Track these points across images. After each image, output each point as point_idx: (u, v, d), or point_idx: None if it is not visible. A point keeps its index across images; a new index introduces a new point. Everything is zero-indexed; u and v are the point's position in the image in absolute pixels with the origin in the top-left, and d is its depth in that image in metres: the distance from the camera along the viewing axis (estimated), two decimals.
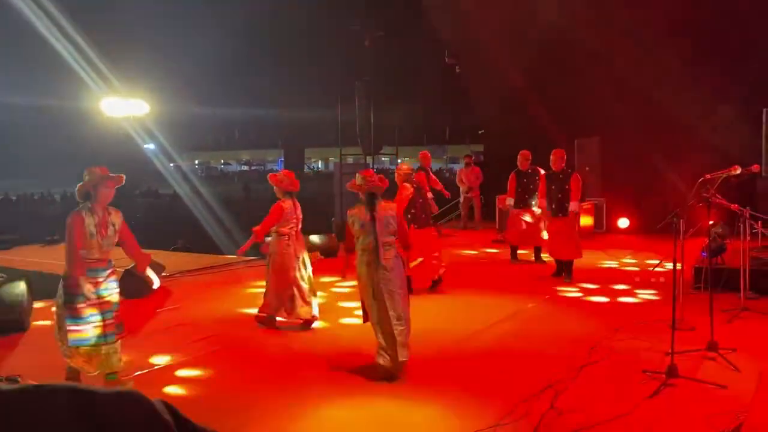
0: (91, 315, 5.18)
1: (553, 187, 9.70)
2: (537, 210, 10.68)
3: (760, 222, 8.52)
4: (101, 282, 5.30)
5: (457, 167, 44.92)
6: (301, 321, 7.40)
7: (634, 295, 8.84)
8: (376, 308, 5.79)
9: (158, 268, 9.70)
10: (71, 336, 5.16)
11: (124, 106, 23.03)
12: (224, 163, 79.91)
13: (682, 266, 6.13)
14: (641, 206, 14.95)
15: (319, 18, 24.13)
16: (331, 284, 9.97)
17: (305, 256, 7.53)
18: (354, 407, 5.18)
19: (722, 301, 7.29)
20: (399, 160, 19.49)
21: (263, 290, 7.57)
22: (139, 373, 5.95)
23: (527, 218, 11.02)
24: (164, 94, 29.07)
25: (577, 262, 9.83)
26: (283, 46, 27.50)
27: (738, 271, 7.70)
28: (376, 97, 16.18)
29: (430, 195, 12.00)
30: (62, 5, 22.67)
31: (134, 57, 27.54)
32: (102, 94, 23.60)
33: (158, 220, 21.25)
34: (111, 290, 5.35)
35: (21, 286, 7.60)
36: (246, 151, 76.41)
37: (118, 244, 5.46)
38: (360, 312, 6.17)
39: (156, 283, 5.77)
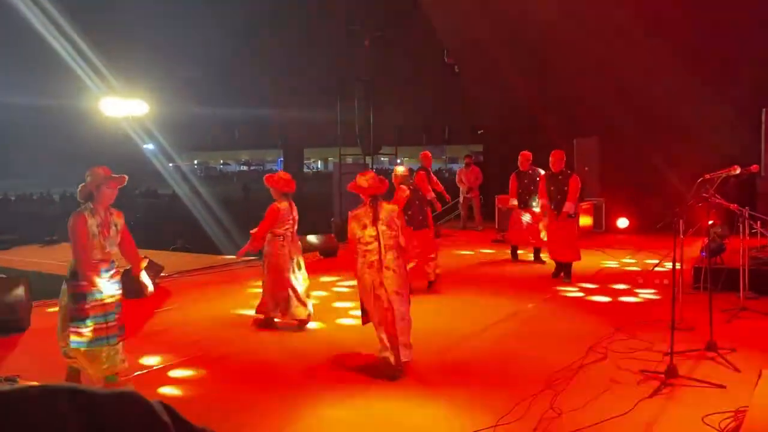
0: (95, 317, 5.18)
1: (552, 188, 9.70)
2: (537, 210, 10.68)
3: (759, 222, 8.53)
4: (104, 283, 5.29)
5: (457, 167, 44.93)
6: (297, 321, 7.40)
7: (633, 295, 8.85)
8: (378, 309, 5.80)
9: (157, 268, 9.72)
10: (74, 337, 5.16)
11: (123, 106, 23.02)
12: (223, 163, 79.93)
13: (681, 266, 6.13)
14: (640, 206, 14.96)
15: (319, 18, 24.14)
16: (331, 284, 9.99)
17: (299, 258, 7.53)
18: (353, 408, 5.18)
19: (721, 301, 7.29)
20: (398, 160, 19.52)
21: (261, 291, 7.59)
22: (138, 373, 5.94)
23: (527, 218, 11.04)
24: (163, 94, 29.05)
25: (576, 263, 9.83)
26: (283, 46, 27.48)
27: (737, 271, 7.70)
28: (375, 97, 16.18)
29: (431, 195, 12.03)
30: (61, 5, 22.67)
31: (133, 57, 27.54)
32: (101, 94, 23.59)
33: (157, 220, 21.26)
34: (113, 291, 5.35)
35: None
36: (245, 151, 76.34)
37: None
38: (359, 312, 6.17)
39: (150, 288, 5.73)
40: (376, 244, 5.81)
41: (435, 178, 13.00)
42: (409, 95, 26.29)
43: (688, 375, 5.37)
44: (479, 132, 21.66)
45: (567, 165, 9.92)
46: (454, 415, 4.92)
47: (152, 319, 7.98)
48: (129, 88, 23.53)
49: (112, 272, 5.35)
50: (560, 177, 9.64)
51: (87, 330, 5.14)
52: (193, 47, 27.61)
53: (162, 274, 10.07)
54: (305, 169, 51.08)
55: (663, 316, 6.80)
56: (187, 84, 32.50)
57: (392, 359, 5.74)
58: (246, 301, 8.59)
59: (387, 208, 5.98)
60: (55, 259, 12.90)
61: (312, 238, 12.44)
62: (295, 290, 7.36)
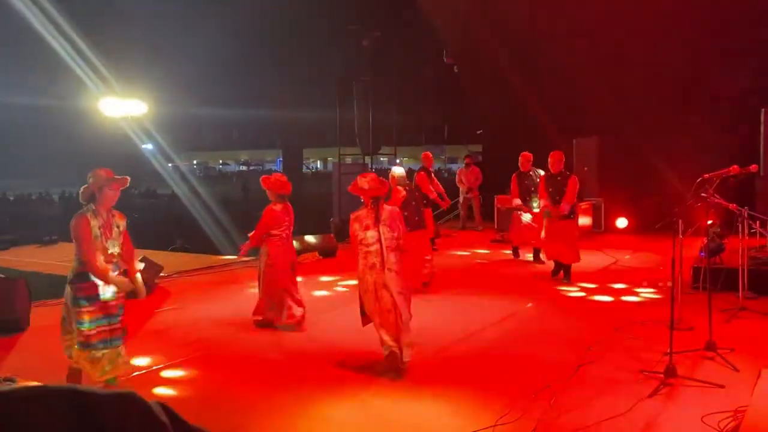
0: (98, 319, 5.17)
1: (551, 189, 9.70)
2: (537, 210, 10.68)
3: (758, 222, 8.53)
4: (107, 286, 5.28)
5: (456, 167, 44.95)
6: (292, 321, 7.40)
7: (632, 294, 8.85)
8: (380, 310, 5.81)
9: (156, 269, 9.72)
10: (79, 339, 5.15)
11: (122, 106, 23.01)
12: (222, 163, 79.88)
13: (680, 266, 6.14)
14: (640, 206, 14.97)
15: (317, 18, 24.14)
16: (330, 284, 9.99)
17: (294, 260, 7.58)
18: (352, 407, 5.18)
19: (720, 300, 7.29)
20: (397, 160, 19.51)
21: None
22: (136, 373, 5.94)
23: (528, 218, 11.06)
24: (162, 94, 29.06)
25: (576, 263, 9.84)
26: (282, 46, 27.47)
27: (736, 271, 7.71)
28: (374, 97, 16.17)
29: (434, 195, 12.15)
30: (61, 6, 22.67)
31: (133, 57, 27.55)
32: (100, 94, 23.58)
33: (157, 221, 21.25)
34: (117, 294, 5.34)
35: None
36: (244, 151, 76.39)
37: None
38: (358, 314, 6.17)
39: (143, 294, 5.71)
40: (378, 245, 5.84)
41: (436, 180, 13.01)
42: (408, 95, 26.27)
43: (688, 375, 5.37)
44: (478, 132, 21.67)
45: (566, 165, 9.92)
46: (454, 415, 4.93)
47: (151, 319, 7.97)
48: (128, 89, 23.52)
49: (115, 274, 5.35)
50: (559, 178, 9.64)
51: (92, 332, 5.14)
52: (192, 47, 27.59)
53: (161, 274, 10.07)
54: (304, 169, 51.08)
55: (662, 316, 6.80)
56: (187, 84, 32.51)
57: (398, 354, 5.77)
58: (245, 302, 8.58)
59: (388, 210, 6.00)
60: (54, 259, 12.89)
61: (310, 238, 12.45)
62: (289, 290, 7.40)
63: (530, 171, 11.11)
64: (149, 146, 36.05)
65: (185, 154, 59.77)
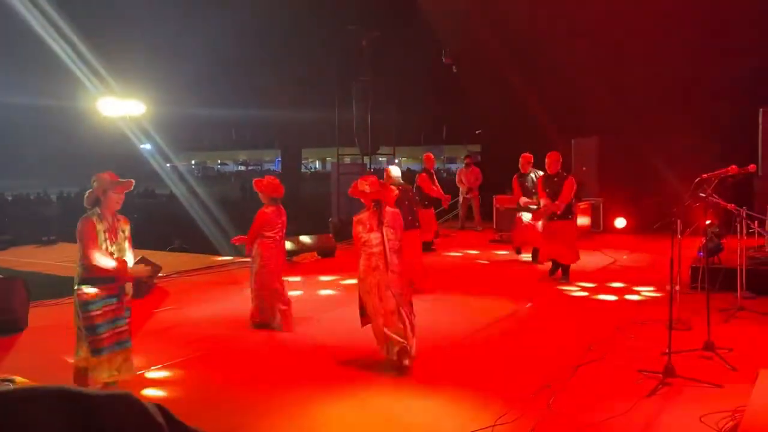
0: (107, 323, 5.16)
1: (548, 189, 9.70)
2: (534, 208, 10.70)
3: (756, 222, 8.53)
4: (113, 289, 5.26)
5: (455, 167, 44.91)
6: (284, 322, 7.41)
7: (631, 294, 8.85)
8: (383, 311, 5.84)
9: (155, 269, 9.71)
10: (92, 346, 5.14)
11: (121, 107, 23.00)
12: (221, 164, 79.81)
13: (679, 266, 6.14)
14: (638, 206, 14.97)
15: (316, 18, 24.13)
16: (330, 284, 9.99)
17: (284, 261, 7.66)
18: (351, 407, 5.17)
19: (719, 300, 7.30)
20: (396, 160, 19.51)
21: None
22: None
23: (528, 218, 11.08)
24: (161, 94, 29.01)
25: (575, 263, 9.84)
26: (280, 46, 27.45)
27: (735, 271, 7.71)
28: (373, 98, 16.17)
29: (436, 194, 12.48)
30: (60, 8, 22.66)
31: (131, 57, 27.51)
32: (99, 95, 23.56)
33: (155, 221, 21.22)
34: (122, 297, 5.32)
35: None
36: (243, 152, 76.31)
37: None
38: (358, 314, 6.18)
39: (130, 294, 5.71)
40: (381, 247, 5.87)
41: (437, 182, 13.02)
42: (407, 95, 26.26)
43: (686, 375, 5.36)
44: (477, 132, 21.67)
45: (565, 166, 9.93)
46: (453, 415, 4.92)
47: (150, 320, 7.96)
48: (127, 89, 23.50)
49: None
50: (556, 179, 9.65)
51: (104, 336, 5.13)
52: (190, 48, 27.57)
53: (160, 275, 10.06)
54: (303, 169, 51.11)
55: (660, 315, 6.80)
56: (185, 84, 32.47)
57: (408, 350, 5.83)
58: (244, 302, 8.56)
59: (390, 212, 6.03)
60: (53, 259, 12.89)
61: (305, 239, 12.44)
62: (279, 291, 7.43)
63: (530, 172, 11.14)
64: (148, 146, 36.02)
65: (184, 154, 59.73)
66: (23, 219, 20.91)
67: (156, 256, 10.96)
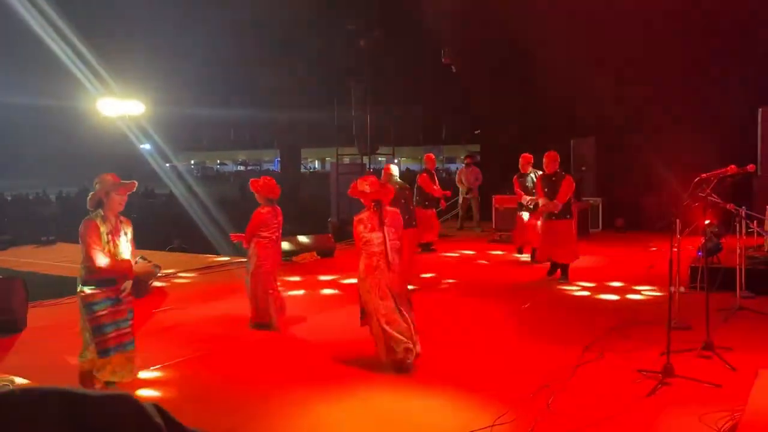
0: (113, 323, 5.15)
1: (546, 189, 9.71)
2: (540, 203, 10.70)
3: (755, 221, 8.54)
4: (116, 291, 5.24)
5: (454, 167, 44.90)
6: (274, 322, 7.42)
7: (630, 294, 8.85)
8: (385, 310, 5.85)
9: (155, 269, 9.71)
10: (99, 348, 5.13)
11: (120, 107, 23.00)
12: (220, 164, 79.75)
13: (678, 266, 6.14)
14: (637, 206, 14.99)
15: (315, 18, 24.10)
16: (329, 283, 9.99)
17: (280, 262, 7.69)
18: (350, 407, 5.17)
19: (718, 300, 7.30)
20: (395, 160, 19.50)
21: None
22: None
23: (527, 217, 11.10)
24: (160, 94, 28.97)
25: (574, 262, 9.84)
26: (279, 46, 27.43)
27: (734, 271, 7.71)
28: (372, 98, 16.17)
29: (437, 194, 12.57)
30: (59, 7, 22.66)
31: (131, 58, 27.48)
32: (99, 95, 23.56)
33: (154, 220, 21.20)
34: (125, 299, 5.31)
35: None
36: (242, 152, 76.24)
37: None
38: (357, 313, 6.18)
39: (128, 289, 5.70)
40: (383, 247, 5.90)
41: (438, 183, 13.03)
42: (406, 95, 26.28)
43: (685, 374, 5.36)
44: (476, 132, 21.66)
45: (564, 165, 9.94)
46: (452, 415, 4.92)
47: (149, 320, 7.96)
48: (126, 89, 23.50)
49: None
50: (554, 178, 9.66)
51: (110, 336, 5.12)
52: (190, 48, 27.56)
53: (159, 275, 10.06)
54: (302, 169, 51.08)
55: (660, 315, 6.80)
56: (185, 84, 32.46)
57: (412, 348, 5.85)
58: (243, 302, 8.57)
59: (390, 212, 6.05)
60: (52, 259, 12.89)
61: (303, 239, 12.44)
62: (274, 292, 7.46)
63: (530, 172, 11.17)
64: (147, 146, 35.99)
65: (183, 154, 59.64)
66: (22, 219, 20.89)
67: (155, 256, 10.96)
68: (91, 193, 5.21)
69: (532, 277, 10.18)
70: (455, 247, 13.31)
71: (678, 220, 6.28)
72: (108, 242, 5.13)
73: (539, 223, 10.37)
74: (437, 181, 13.01)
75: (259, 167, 70.39)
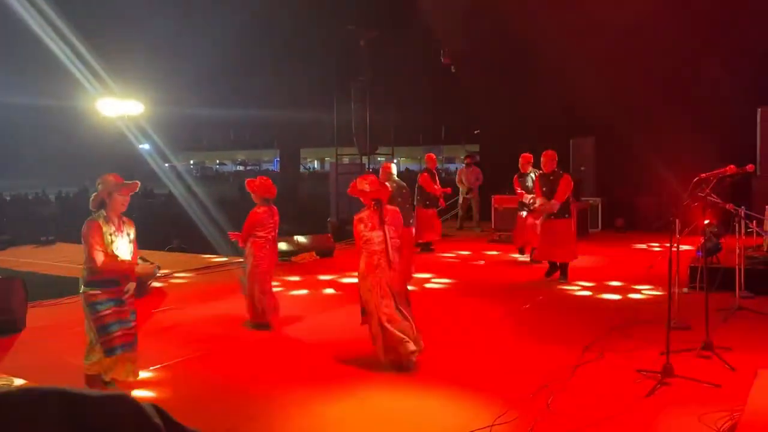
0: (116, 323, 5.14)
1: (544, 188, 9.72)
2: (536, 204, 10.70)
3: (754, 221, 8.54)
4: (119, 292, 5.23)
5: (453, 167, 44.87)
6: (269, 322, 7.43)
7: (629, 293, 8.85)
8: (386, 308, 5.86)
9: (154, 269, 9.71)
10: (105, 347, 5.11)
11: (119, 106, 23.01)
12: (219, 164, 79.73)
13: (677, 266, 6.14)
14: (636, 206, 15.00)
15: (314, 18, 24.12)
16: (328, 283, 9.98)
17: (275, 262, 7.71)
18: (348, 407, 5.17)
19: (717, 300, 7.29)
20: (395, 160, 19.49)
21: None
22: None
23: (527, 218, 11.11)
24: (160, 95, 28.99)
25: (573, 262, 9.84)
26: (279, 47, 27.44)
27: (733, 271, 7.71)
28: (371, 98, 16.17)
29: (438, 193, 12.55)
30: (58, 7, 22.66)
31: (130, 58, 27.49)
32: (98, 95, 23.56)
33: (153, 220, 21.19)
34: (128, 300, 5.30)
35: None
36: (241, 152, 76.24)
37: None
38: (357, 312, 6.18)
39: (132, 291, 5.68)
40: (384, 245, 5.91)
41: (439, 183, 13.03)
42: (405, 95, 26.27)
43: (685, 374, 5.36)
44: (476, 132, 21.66)
45: (563, 165, 9.94)
46: (452, 414, 4.92)
47: (149, 320, 7.95)
48: (126, 89, 23.50)
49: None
50: (551, 177, 9.66)
51: (116, 335, 5.10)
52: (189, 48, 27.56)
53: (158, 275, 10.06)
54: (302, 169, 51.08)
55: (659, 315, 6.80)
56: (184, 84, 32.45)
57: (411, 346, 5.86)
58: (242, 302, 8.57)
59: (390, 210, 6.06)
60: (51, 259, 12.88)
61: (301, 239, 12.45)
62: (269, 292, 7.49)
63: (530, 172, 11.18)
64: (146, 146, 35.98)
65: (182, 154, 59.62)
66: (22, 219, 20.88)
67: (154, 256, 10.96)
68: (94, 193, 5.20)
69: (532, 277, 10.18)
70: (455, 247, 13.31)
71: (677, 220, 6.27)
72: (111, 243, 5.12)
73: (533, 220, 10.39)
74: (438, 181, 13.01)
75: (258, 167, 70.33)
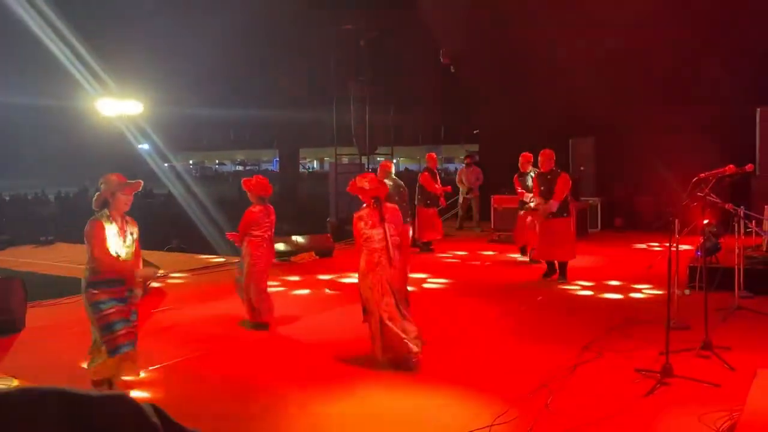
0: (120, 321, 5.12)
1: (542, 187, 9.72)
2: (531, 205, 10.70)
3: (754, 221, 8.54)
4: (121, 292, 5.22)
5: (452, 167, 44.86)
6: (266, 322, 7.43)
7: (628, 293, 8.86)
8: (386, 306, 5.87)
9: (153, 269, 9.69)
10: (109, 347, 5.07)
11: (119, 106, 23.00)
12: (219, 163, 79.69)
13: (677, 265, 6.14)
14: (636, 205, 15.00)
15: (314, 18, 24.11)
16: (328, 283, 9.99)
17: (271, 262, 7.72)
18: (350, 405, 5.16)
19: (717, 300, 7.29)
20: (394, 160, 19.49)
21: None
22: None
23: (528, 217, 11.11)
24: (159, 94, 28.97)
25: (572, 262, 9.84)
26: (278, 46, 27.43)
27: (732, 270, 7.71)
28: (371, 98, 16.16)
29: (439, 191, 12.53)
30: (57, 8, 22.66)
31: (130, 58, 27.47)
32: (97, 95, 23.56)
33: (153, 220, 21.20)
34: (130, 300, 5.28)
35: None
36: (241, 151, 76.20)
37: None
38: (356, 310, 6.19)
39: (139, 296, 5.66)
40: (384, 243, 5.93)
41: (440, 182, 13.02)
42: (405, 95, 26.27)
43: (684, 374, 5.36)
44: (475, 132, 21.66)
45: (563, 165, 9.94)
46: (451, 414, 4.92)
47: (148, 320, 7.95)
48: (125, 89, 23.50)
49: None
50: (549, 176, 9.66)
51: (120, 333, 5.08)
52: (188, 48, 27.55)
53: (157, 275, 10.04)
54: (301, 169, 51.09)
55: (658, 315, 6.80)
56: (183, 84, 32.45)
57: (411, 346, 5.86)
58: (241, 302, 8.58)
59: (390, 208, 6.08)
60: (51, 259, 12.87)
61: (300, 239, 12.44)
62: (265, 291, 7.49)
63: (530, 171, 11.18)
64: (145, 146, 35.95)
65: (181, 154, 59.58)
66: (21, 219, 20.87)
67: (154, 256, 10.94)
68: (97, 193, 5.18)
69: (531, 277, 10.17)
70: (454, 247, 13.30)
71: (676, 220, 6.28)
72: (114, 243, 5.10)
73: (533, 220, 10.38)
74: (439, 180, 13.01)
75: (257, 167, 70.31)
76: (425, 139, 49.38)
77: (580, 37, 14.53)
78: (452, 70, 19.02)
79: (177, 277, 10.82)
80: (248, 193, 7.53)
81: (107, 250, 5.02)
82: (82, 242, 5.11)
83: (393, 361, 5.89)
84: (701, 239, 7.52)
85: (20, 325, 7.50)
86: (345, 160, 19.27)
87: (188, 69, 29.45)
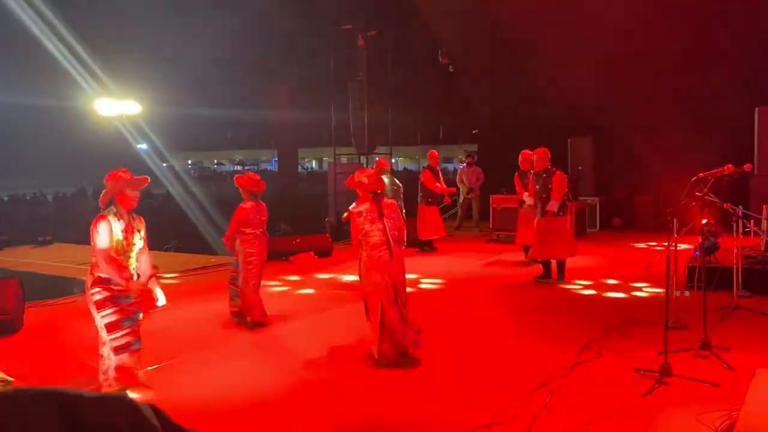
0: (126, 319, 5.08)
1: (537, 186, 9.71)
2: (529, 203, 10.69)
3: (752, 221, 8.55)
4: (125, 291, 5.18)
5: (452, 167, 44.82)
6: (257, 319, 7.44)
7: (627, 292, 8.86)
8: (387, 303, 5.90)
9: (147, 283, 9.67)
10: (115, 347, 5.02)
11: (117, 106, 22.99)
12: (217, 163, 79.66)
13: (675, 265, 6.14)
14: (634, 205, 15.00)
15: (312, 17, 24.10)
16: (327, 282, 9.98)
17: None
18: (350, 405, 5.16)
19: (715, 299, 7.30)
20: (393, 160, 19.50)
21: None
22: None
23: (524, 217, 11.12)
24: (158, 94, 28.95)
25: (571, 261, 9.83)
26: (277, 46, 27.42)
27: (731, 270, 7.72)
28: (369, 97, 16.16)
29: (440, 190, 12.46)
30: (56, 8, 22.65)
31: (129, 57, 27.45)
32: (96, 95, 23.55)
33: (151, 220, 21.20)
34: (134, 300, 5.25)
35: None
36: (239, 151, 76.17)
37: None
38: (355, 309, 6.19)
39: (161, 300, 5.56)
40: (384, 238, 5.93)
41: (443, 181, 13.00)
42: (403, 95, 26.26)
43: (683, 374, 5.37)
44: (474, 132, 21.65)
45: (560, 165, 9.93)
46: (450, 414, 4.92)
47: (146, 320, 7.91)
48: (124, 89, 23.49)
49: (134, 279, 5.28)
50: (544, 175, 9.65)
51: (125, 332, 5.04)
52: (187, 48, 27.53)
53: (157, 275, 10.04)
54: (300, 169, 51.06)
55: (657, 314, 6.80)
56: (182, 84, 32.43)
57: (410, 345, 5.91)
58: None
59: (388, 203, 6.07)
60: (49, 259, 12.86)
61: (300, 239, 12.44)
62: (257, 290, 7.51)
63: (530, 170, 11.15)
64: (144, 146, 35.92)
65: (180, 153, 59.55)
66: (19, 219, 20.84)
67: (152, 256, 10.92)
68: (103, 191, 5.10)
69: (530, 276, 10.16)
70: (453, 247, 13.29)
71: (675, 220, 6.28)
72: (122, 240, 5.03)
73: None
74: (441, 179, 12.97)
75: (256, 167, 70.27)
76: (424, 139, 49.35)
77: (580, 37, 14.52)
78: (451, 70, 19.02)
79: (176, 277, 10.81)
80: (240, 189, 7.56)
81: (110, 249, 4.97)
82: (80, 242, 5.08)
83: (391, 359, 5.88)
84: (700, 239, 7.53)
85: (18, 325, 7.49)
86: (344, 160, 19.26)
87: (187, 69, 29.44)
